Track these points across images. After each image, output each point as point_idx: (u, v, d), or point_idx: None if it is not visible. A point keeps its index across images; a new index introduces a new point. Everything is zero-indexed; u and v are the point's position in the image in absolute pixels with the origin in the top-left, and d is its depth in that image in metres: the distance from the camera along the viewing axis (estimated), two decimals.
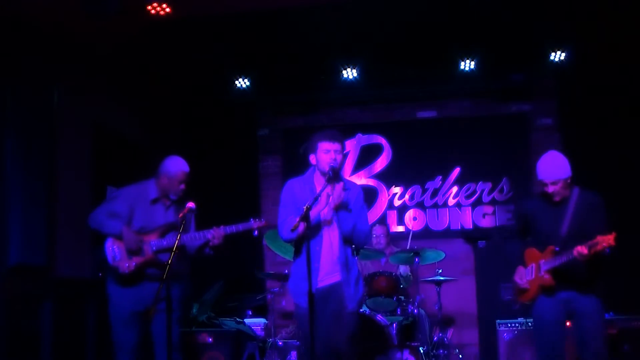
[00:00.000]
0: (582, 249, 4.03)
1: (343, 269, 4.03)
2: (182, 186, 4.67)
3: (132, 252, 4.51)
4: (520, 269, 4.52)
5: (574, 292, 4.27)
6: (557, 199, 4.32)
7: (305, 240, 3.86)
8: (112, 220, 4.55)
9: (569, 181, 4.32)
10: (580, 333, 4.26)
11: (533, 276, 4.40)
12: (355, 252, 5.64)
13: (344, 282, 4.02)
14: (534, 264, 4.42)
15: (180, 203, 4.69)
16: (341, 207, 4.02)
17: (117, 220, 4.55)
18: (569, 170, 4.31)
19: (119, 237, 4.51)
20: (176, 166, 4.68)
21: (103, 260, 4.55)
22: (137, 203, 4.64)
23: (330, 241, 4.07)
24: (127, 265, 4.49)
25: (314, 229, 4.01)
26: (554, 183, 4.28)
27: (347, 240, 4.10)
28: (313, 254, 3.90)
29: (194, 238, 4.59)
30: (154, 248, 4.54)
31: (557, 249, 4.25)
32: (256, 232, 4.62)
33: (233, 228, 4.58)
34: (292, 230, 3.82)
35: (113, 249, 4.53)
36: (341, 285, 4.02)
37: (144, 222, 4.62)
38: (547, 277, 4.28)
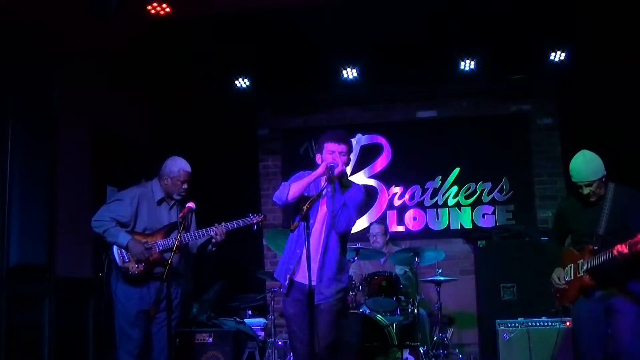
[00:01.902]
0: (622, 248, 3.92)
1: (318, 273, 4.02)
2: (185, 185, 4.74)
3: (138, 261, 4.57)
4: (559, 271, 4.44)
5: (612, 290, 4.18)
6: (593, 199, 4.23)
7: (305, 231, 3.89)
8: (117, 230, 4.58)
9: (603, 180, 4.23)
10: (615, 330, 4.17)
11: (572, 277, 4.32)
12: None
13: (317, 286, 4.00)
14: (572, 265, 4.34)
15: (183, 202, 4.72)
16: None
17: (122, 230, 4.60)
18: (602, 169, 4.22)
19: (125, 248, 4.57)
20: (178, 166, 4.73)
21: (112, 261, 4.61)
22: (142, 204, 4.69)
23: (315, 240, 4.06)
24: (136, 266, 4.56)
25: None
26: (588, 184, 4.19)
27: (336, 236, 4.09)
28: (299, 242, 4.01)
29: (197, 236, 4.67)
30: (161, 248, 4.60)
31: (596, 248, 4.15)
32: (255, 227, 4.74)
33: (234, 224, 4.68)
34: (292, 231, 3.87)
35: (121, 251, 4.59)
36: (313, 289, 3.98)
37: (149, 223, 4.68)
38: (586, 278, 4.19)
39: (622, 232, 4.05)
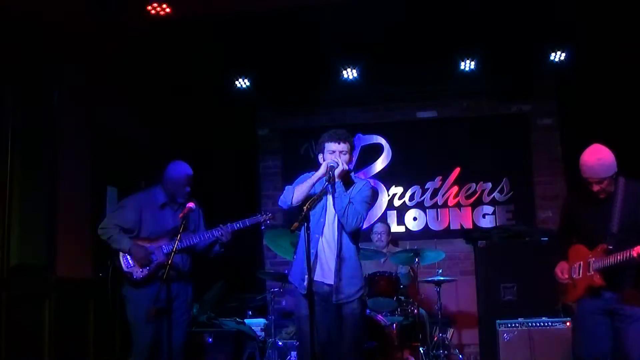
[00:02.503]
0: None
1: (336, 271, 4.02)
2: (188, 189, 4.78)
3: (142, 265, 4.64)
4: (563, 264, 4.29)
5: (621, 293, 4.03)
6: (602, 196, 4.08)
7: (305, 232, 3.87)
8: (121, 237, 4.67)
9: (614, 176, 4.06)
10: (624, 336, 4.02)
11: (581, 275, 4.17)
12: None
13: (335, 285, 4.01)
14: (581, 262, 4.18)
15: (185, 206, 4.73)
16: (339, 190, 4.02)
17: (125, 236, 4.68)
18: (615, 166, 4.05)
19: (128, 252, 4.65)
20: (179, 170, 4.79)
21: (119, 266, 4.68)
22: (146, 210, 4.76)
23: (328, 239, 4.07)
24: (140, 270, 4.64)
25: (314, 219, 4.04)
26: (599, 182, 4.03)
27: (348, 234, 4.08)
28: (312, 242, 3.94)
29: (204, 237, 4.72)
30: (166, 251, 4.65)
31: (611, 247, 4.00)
32: (263, 226, 4.80)
33: (240, 224, 4.70)
34: (292, 232, 3.87)
35: (126, 256, 4.67)
36: (332, 289, 4.01)
37: (154, 227, 4.75)
38: (597, 277, 4.05)
39: (635, 229, 3.94)
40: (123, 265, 4.66)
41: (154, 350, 4.64)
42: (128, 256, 4.65)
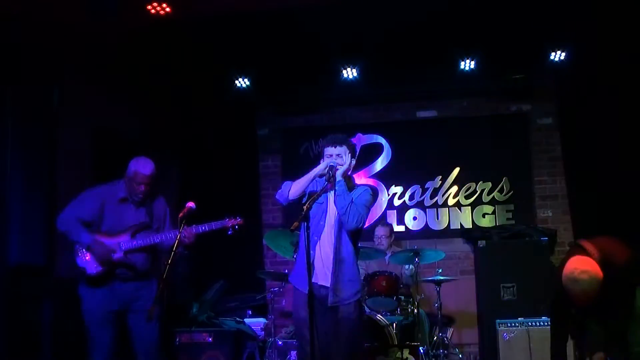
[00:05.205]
0: None
1: (333, 274, 4.02)
2: (142, 187, 4.55)
3: (101, 262, 4.46)
4: None
5: None
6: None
7: (305, 231, 3.86)
8: (81, 230, 4.47)
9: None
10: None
11: None
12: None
13: (332, 287, 4.01)
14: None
15: (149, 203, 4.64)
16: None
17: (85, 230, 4.48)
18: (600, 281, 3.89)
19: (87, 248, 4.46)
20: (134, 167, 4.56)
21: (73, 261, 4.49)
22: (107, 203, 4.57)
23: (327, 241, 4.08)
24: (95, 266, 4.45)
25: (313, 218, 4.03)
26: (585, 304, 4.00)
27: (347, 236, 4.08)
28: (310, 243, 3.91)
29: (167, 237, 4.54)
30: (124, 248, 4.49)
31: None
32: (230, 231, 4.54)
33: (205, 227, 4.51)
34: (292, 231, 3.86)
35: (82, 250, 4.48)
36: (329, 290, 4.02)
37: (114, 222, 4.56)
38: None
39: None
40: (77, 260, 4.45)
41: (116, 352, 4.49)
42: (84, 250, 4.44)
